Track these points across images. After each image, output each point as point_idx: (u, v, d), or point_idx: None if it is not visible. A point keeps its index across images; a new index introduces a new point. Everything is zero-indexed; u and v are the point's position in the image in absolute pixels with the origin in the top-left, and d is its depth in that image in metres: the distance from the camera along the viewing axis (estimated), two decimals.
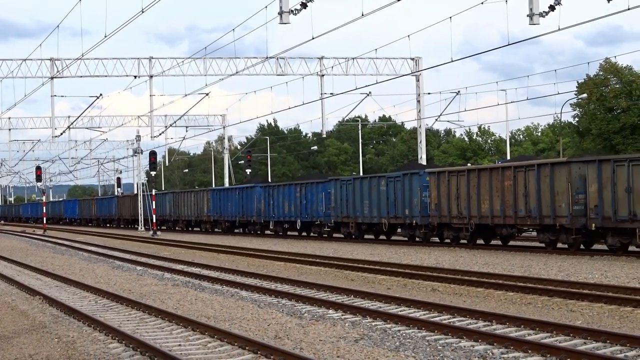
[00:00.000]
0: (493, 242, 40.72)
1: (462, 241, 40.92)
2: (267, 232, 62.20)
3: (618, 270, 26.77)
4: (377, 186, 46.96)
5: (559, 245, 35.50)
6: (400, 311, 19.89)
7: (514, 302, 21.53)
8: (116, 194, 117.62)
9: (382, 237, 48.99)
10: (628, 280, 24.13)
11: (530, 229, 39.02)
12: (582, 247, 34.53)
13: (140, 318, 20.22)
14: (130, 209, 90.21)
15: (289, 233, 59.08)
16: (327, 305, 21.12)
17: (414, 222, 43.58)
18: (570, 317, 18.70)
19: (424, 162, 62.34)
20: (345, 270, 31.28)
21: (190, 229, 77.50)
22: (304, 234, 57.56)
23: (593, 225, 32.78)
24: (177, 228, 79.45)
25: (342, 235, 51.33)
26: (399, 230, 47.03)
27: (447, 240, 42.09)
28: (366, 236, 50.03)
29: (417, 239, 44.24)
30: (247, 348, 15.51)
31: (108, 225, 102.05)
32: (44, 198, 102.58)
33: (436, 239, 43.58)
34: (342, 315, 19.69)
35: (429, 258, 34.22)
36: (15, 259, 42.20)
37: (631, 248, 32.59)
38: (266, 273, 30.76)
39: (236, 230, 68.06)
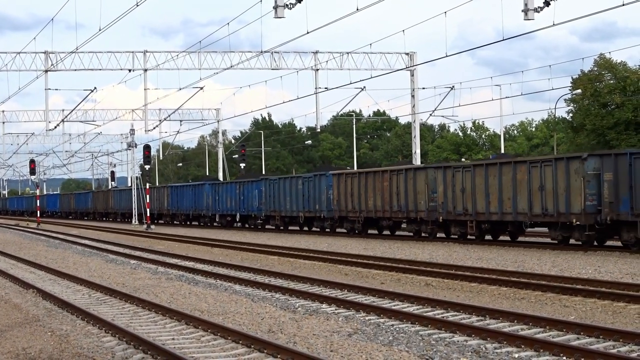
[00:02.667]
0: (384, 232, 47.34)
1: (378, 233, 47.77)
2: (215, 224, 70.21)
3: (611, 265, 26.82)
4: (295, 185, 54.81)
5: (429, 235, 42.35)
6: (394, 306, 19.91)
7: (508, 297, 21.56)
8: (110, 187, 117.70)
9: (305, 228, 56.50)
10: (621, 275, 24.18)
11: (404, 221, 45.28)
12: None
13: (133, 312, 20.22)
14: (104, 203, 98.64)
15: (229, 225, 67.03)
16: (321, 300, 21.14)
17: (322, 215, 51.58)
18: (563, 312, 18.72)
19: (418, 157, 62.39)
20: (339, 264, 31.31)
21: (155, 221, 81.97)
22: (246, 225, 64.78)
23: (441, 218, 40.61)
24: (143, 221, 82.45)
25: (273, 227, 58.87)
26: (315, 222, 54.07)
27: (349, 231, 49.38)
28: (291, 227, 57.71)
29: (327, 230, 51.85)
30: (240, 342, 15.51)
31: (85, 218, 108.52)
32: (37, 191, 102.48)
33: (343, 230, 50.49)
34: (336, 309, 19.69)
35: (422, 253, 34.25)
36: (9, 252, 42.17)
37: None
38: (260, 267, 30.77)
39: (192, 223, 75.92)
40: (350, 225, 48.89)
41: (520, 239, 38.69)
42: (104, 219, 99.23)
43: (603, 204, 31.98)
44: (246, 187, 62.15)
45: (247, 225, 64.54)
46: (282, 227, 57.53)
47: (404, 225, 46.42)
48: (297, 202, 54.32)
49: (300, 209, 54.11)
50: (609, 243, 34.52)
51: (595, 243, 33.67)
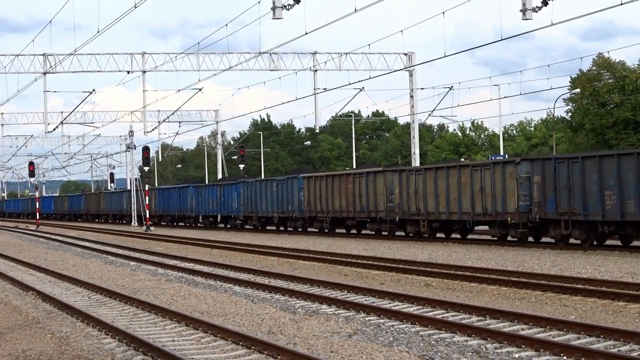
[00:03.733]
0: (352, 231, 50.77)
1: (344, 230, 51.56)
2: (199, 224, 73.86)
3: (611, 264, 26.81)
4: (270, 187, 58.26)
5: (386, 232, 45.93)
6: (394, 306, 19.90)
7: (508, 297, 21.55)
8: (109, 189, 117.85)
9: (282, 227, 59.50)
10: (621, 274, 24.16)
11: (368, 221, 47.71)
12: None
13: (133, 313, 20.20)
14: (96, 205, 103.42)
15: (212, 225, 71.16)
16: (321, 301, 21.12)
17: (294, 215, 55.00)
18: (563, 312, 18.71)
19: (417, 158, 62.38)
20: (338, 265, 31.28)
21: (143, 222, 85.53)
22: (227, 225, 68.29)
23: (397, 217, 43.84)
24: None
25: (251, 227, 62.74)
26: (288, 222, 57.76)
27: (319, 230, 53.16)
28: (269, 227, 61.10)
29: (299, 229, 55.24)
30: (240, 343, 15.50)
31: (78, 219, 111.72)
32: (37, 193, 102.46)
33: (314, 229, 53.74)
34: (336, 310, 19.68)
35: (422, 253, 34.24)
36: (9, 254, 42.15)
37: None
38: (260, 268, 30.75)
39: (179, 224, 79.95)
40: (319, 225, 52.47)
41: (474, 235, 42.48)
42: (96, 220, 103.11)
43: (533, 203, 35.34)
44: (226, 189, 65.82)
45: (228, 226, 67.94)
46: (259, 227, 60.98)
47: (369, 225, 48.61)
48: (272, 203, 57.86)
49: (274, 209, 57.65)
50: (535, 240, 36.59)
51: (532, 239, 36.82)
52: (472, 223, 39.67)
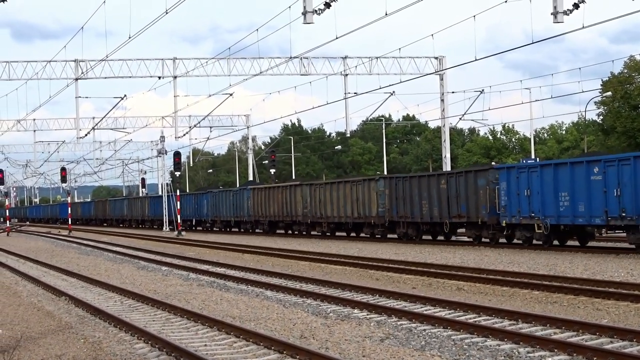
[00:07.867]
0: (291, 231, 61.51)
1: (283, 231, 63.41)
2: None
3: None
4: (228, 196, 70.59)
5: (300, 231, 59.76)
6: (426, 310, 19.87)
7: (540, 301, 21.47)
8: (140, 194, 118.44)
9: (248, 229, 69.15)
10: None
11: (291, 223, 60.46)
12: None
13: (166, 318, 20.27)
14: (102, 211, 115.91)
15: (190, 229, 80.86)
16: (353, 305, 21.12)
17: (244, 219, 67.58)
18: (596, 316, 18.62)
19: (448, 162, 62.32)
20: (370, 269, 31.27)
21: (139, 226, 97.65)
22: (199, 228, 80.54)
23: (309, 220, 56.38)
24: (132, 225, 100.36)
25: (217, 229, 74.60)
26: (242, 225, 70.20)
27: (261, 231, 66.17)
28: (234, 229, 72.68)
29: (250, 230, 67.89)
30: (272, 348, 15.53)
31: (89, 223, 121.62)
32: (69, 199, 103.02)
33: (259, 230, 66.33)
34: (368, 314, 19.68)
35: (454, 257, 34.16)
36: (41, 259, 42.40)
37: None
38: (291, 273, 30.77)
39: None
40: (261, 227, 65.17)
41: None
42: (104, 224, 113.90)
43: (386, 210, 47.41)
44: (199, 197, 78.36)
45: (200, 228, 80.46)
46: (222, 229, 73.50)
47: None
48: (230, 209, 70.24)
49: (230, 214, 70.29)
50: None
51: (394, 236, 47.51)
52: (352, 224, 52.10)
